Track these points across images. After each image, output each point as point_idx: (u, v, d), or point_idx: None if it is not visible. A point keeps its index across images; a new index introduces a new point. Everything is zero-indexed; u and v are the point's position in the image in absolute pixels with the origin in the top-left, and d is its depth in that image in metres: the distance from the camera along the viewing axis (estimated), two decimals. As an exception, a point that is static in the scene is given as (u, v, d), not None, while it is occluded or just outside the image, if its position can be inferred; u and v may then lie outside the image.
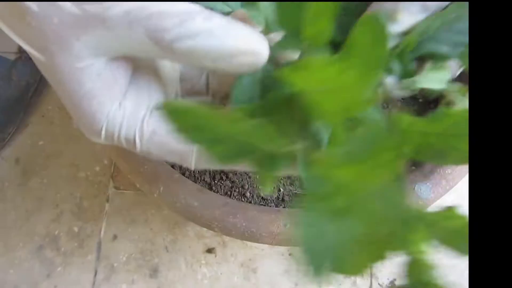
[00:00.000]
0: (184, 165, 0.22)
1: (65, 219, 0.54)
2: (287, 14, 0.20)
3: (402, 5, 0.20)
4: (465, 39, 0.20)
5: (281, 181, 0.37)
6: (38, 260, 0.52)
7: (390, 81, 0.21)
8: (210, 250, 0.51)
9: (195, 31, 0.19)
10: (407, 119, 0.18)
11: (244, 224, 0.30)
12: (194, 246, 0.52)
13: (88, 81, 0.20)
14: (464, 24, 0.20)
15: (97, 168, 0.55)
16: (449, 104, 0.23)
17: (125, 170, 0.32)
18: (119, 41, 0.19)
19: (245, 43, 0.19)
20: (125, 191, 0.54)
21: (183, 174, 0.37)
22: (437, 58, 0.21)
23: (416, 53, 0.21)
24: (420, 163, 0.34)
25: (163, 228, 0.52)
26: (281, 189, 0.37)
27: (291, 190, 0.37)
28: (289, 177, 0.38)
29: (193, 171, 0.38)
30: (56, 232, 0.54)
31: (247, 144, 0.18)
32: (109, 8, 0.18)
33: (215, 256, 0.51)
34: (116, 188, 0.54)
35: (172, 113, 0.18)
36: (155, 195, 0.31)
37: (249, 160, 0.19)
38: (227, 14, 0.23)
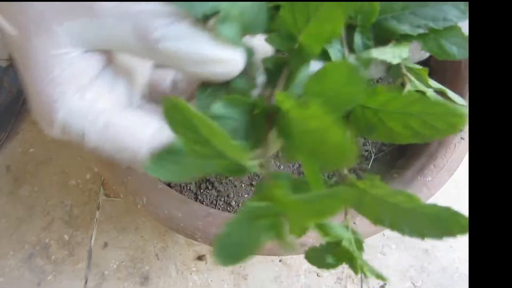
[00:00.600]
0: (133, 167, 0.22)
1: (55, 227, 0.54)
2: (291, 16, 0.20)
3: None
4: (427, 22, 0.21)
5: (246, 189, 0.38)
6: (29, 268, 0.52)
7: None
8: (200, 257, 0.52)
9: (180, 34, 0.19)
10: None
11: (227, 234, 0.30)
12: (184, 254, 0.52)
13: (57, 68, 0.19)
14: (428, 11, 0.22)
15: (88, 176, 0.55)
16: (402, 84, 0.23)
17: (110, 180, 0.33)
18: (103, 32, 0.19)
19: (224, 52, 0.20)
20: (115, 199, 0.54)
21: (169, 184, 0.37)
22: (400, 38, 0.22)
23: (377, 29, 0.22)
24: (401, 171, 0.34)
25: (154, 236, 0.53)
26: (246, 196, 0.37)
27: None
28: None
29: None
30: (47, 240, 0.54)
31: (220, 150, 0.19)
32: None
33: (206, 263, 0.51)
34: (107, 195, 0.54)
35: (170, 108, 0.18)
36: (139, 206, 0.31)
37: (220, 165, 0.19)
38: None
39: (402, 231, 0.19)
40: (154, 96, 0.25)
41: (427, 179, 0.32)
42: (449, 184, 0.35)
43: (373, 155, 0.38)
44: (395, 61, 0.21)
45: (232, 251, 0.17)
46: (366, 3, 0.22)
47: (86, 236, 0.53)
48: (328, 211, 0.15)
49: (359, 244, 0.22)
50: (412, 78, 0.23)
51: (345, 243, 0.21)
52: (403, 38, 0.22)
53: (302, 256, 0.29)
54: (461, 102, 0.25)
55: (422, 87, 0.23)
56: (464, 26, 0.22)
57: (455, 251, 0.49)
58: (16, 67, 0.20)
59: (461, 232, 0.18)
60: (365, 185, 0.19)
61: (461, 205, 0.47)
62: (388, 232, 0.49)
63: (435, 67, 0.40)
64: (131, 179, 0.32)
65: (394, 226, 0.19)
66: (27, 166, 0.56)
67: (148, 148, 0.20)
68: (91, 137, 0.20)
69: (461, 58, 0.23)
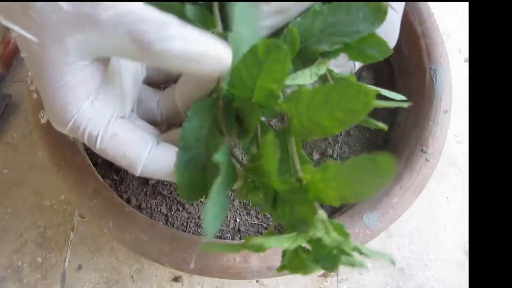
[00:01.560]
0: (131, 171, 0.25)
1: (28, 249, 0.53)
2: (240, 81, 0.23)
3: None
4: (342, 39, 0.25)
5: (237, 211, 0.38)
6: (0, 292, 0.50)
7: None
8: (176, 279, 0.51)
9: (171, 35, 0.22)
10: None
11: (193, 259, 0.30)
12: (160, 275, 0.51)
13: (69, 75, 0.23)
14: (342, 28, 0.25)
15: (62, 197, 0.55)
16: None
17: (75, 204, 0.32)
18: (105, 41, 0.22)
19: (212, 48, 0.22)
20: (87, 219, 0.53)
21: (139, 206, 0.37)
22: (324, 56, 0.25)
23: (304, 54, 0.25)
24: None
25: (129, 257, 0.52)
26: (237, 219, 0.37)
27: (247, 220, 0.37)
28: (245, 207, 0.38)
29: (150, 203, 0.38)
30: (19, 263, 0.52)
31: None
32: (103, 10, 0.22)
33: (182, 284, 0.51)
34: (81, 216, 0.53)
35: None
36: (105, 230, 0.31)
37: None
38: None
39: (345, 198, 0.20)
40: (140, 112, 0.29)
41: (393, 200, 0.32)
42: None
43: (342, 175, 0.38)
44: (307, 81, 0.23)
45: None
46: (287, 33, 0.24)
47: (60, 258, 0.52)
48: None
49: (344, 234, 0.22)
50: None
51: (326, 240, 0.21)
52: (326, 56, 0.25)
53: (279, 278, 0.29)
54: (397, 97, 0.27)
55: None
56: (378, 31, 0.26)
57: (430, 269, 0.49)
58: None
59: (389, 172, 0.19)
60: (308, 177, 0.21)
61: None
62: (362, 251, 0.48)
63: (401, 88, 0.41)
64: (96, 203, 0.32)
65: (337, 196, 0.20)
66: (0, 187, 0.55)
67: (146, 161, 0.25)
68: (100, 142, 0.24)
69: (382, 58, 0.26)
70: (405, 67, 0.40)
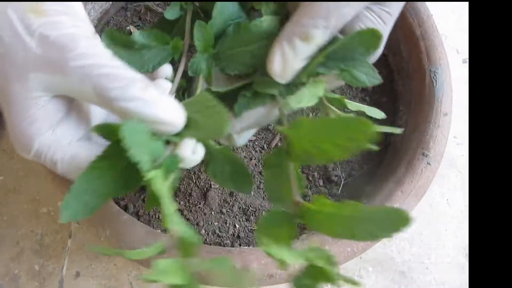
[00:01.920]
0: None
1: (25, 257, 0.52)
2: None
3: (313, 22, 0.25)
4: (338, 64, 0.26)
5: (237, 216, 0.37)
6: (-4, 301, 0.50)
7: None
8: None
9: (131, 97, 0.23)
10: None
11: (192, 267, 0.29)
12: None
13: (33, 108, 0.24)
14: (339, 54, 0.26)
15: (59, 203, 0.54)
16: (327, 114, 0.28)
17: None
18: (69, 86, 0.23)
19: (166, 115, 0.24)
20: (85, 226, 0.53)
21: (137, 213, 0.37)
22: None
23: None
24: (370, 197, 0.34)
25: (127, 264, 0.51)
26: (237, 225, 0.37)
27: (246, 226, 0.37)
28: (244, 213, 0.37)
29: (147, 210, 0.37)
30: (16, 271, 0.52)
31: None
32: (71, 59, 0.23)
33: (181, 290, 0.50)
34: (79, 223, 0.53)
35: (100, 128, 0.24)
36: (102, 238, 0.30)
37: None
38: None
39: (354, 236, 0.21)
40: None
41: (395, 205, 0.31)
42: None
43: (343, 180, 0.38)
44: (311, 103, 0.25)
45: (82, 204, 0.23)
46: None
47: (58, 266, 0.51)
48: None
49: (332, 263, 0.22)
50: (332, 107, 0.28)
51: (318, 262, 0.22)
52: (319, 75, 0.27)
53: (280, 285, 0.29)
54: (379, 116, 0.29)
55: (341, 113, 0.28)
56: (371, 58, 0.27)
57: (431, 272, 0.49)
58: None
59: (405, 225, 0.20)
60: (316, 206, 0.22)
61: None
62: (364, 255, 0.48)
63: (401, 91, 0.40)
64: (94, 211, 0.31)
65: (345, 234, 0.21)
66: (-4, 194, 0.54)
67: None
68: (61, 165, 0.26)
69: (370, 85, 0.27)
70: (405, 69, 0.40)
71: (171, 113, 0.24)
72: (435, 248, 0.50)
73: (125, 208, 0.37)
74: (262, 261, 0.29)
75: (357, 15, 0.26)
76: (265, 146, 0.40)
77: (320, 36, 0.25)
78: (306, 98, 0.25)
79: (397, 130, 0.26)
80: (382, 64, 0.42)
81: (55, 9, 0.23)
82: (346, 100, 0.28)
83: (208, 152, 0.26)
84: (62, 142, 0.25)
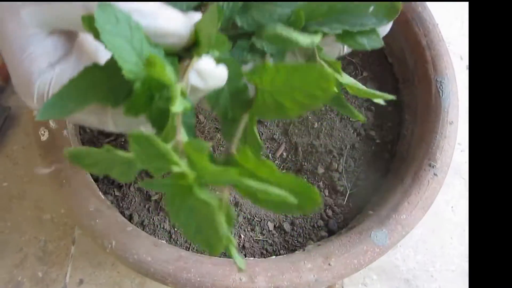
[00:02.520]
0: (104, 128, 0.25)
1: (29, 263, 0.52)
2: None
3: None
4: (343, 26, 0.24)
5: (242, 227, 0.37)
6: (0, 308, 0.50)
7: None
8: (179, 292, 0.50)
9: (129, 10, 0.21)
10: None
11: (198, 279, 0.29)
12: (162, 288, 0.50)
13: (31, 47, 0.23)
14: (348, 18, 0.24)
15: (63, 210, 0.54)
16: None
17: (77, 223, 0.32)
18: (61, 14, 0.22)
19: (170, 25, 0.22)
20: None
21: (142, 222, 0.37)
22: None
23: (305, 31, 0.25)
24: (377, 208, 0.34)
25: (131, 271, 0.51)
26: (242, 235, 0.37)
27: (252, 236, 0.36)
28: (249, 223, 0.37)
29: (152, 219, 0.37)
30: (19, 278, 0.52)
31: None
32: None
33: (185, 298, 0.50)
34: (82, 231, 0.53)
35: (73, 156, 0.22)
36: (107, 250, 0.30)
37: None
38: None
39: (260, 202, 0.21)
40: None
41: (401, 216, 0.31)
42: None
43: (348, 190, 0.38)
44: (305, 44, 0.23)
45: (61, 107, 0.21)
46: (292, 14, 0.24)
47: (61, 272, 0.51)
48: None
49: None
50: (325, 65, 0.26)
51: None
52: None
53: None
54: (388, 98, 0.26)
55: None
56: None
57: (436, 280, 0.48)
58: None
59: (313, 205, 0.20)
60: (240, 159, 0.21)
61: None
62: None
63: (407, 100, 0.40)
64: (99, 222, 0.31)
65: (254, 195, 0.20)
66: (1, 200, 0.54)
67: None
68: None
69: (370, 48, 0.25)
70: (410, 78, 0.40)
71: (174, 23, 0.22)
72: (440, 256, 0.49)
73: (130, 218, 0.37)
74: (268, 273, 0.29)
75: None
76: (270, 156, 0.40)
77: None
78: (300, 38, 0.23)
79: (389, 97, 0.25)
80: (387, 73, 0.42)
81: None
82: (342, 74, 0.26)
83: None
84: (63, 78, 0.24)
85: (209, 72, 0.23)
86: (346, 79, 0.26)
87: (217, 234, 0.20)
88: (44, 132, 0.33)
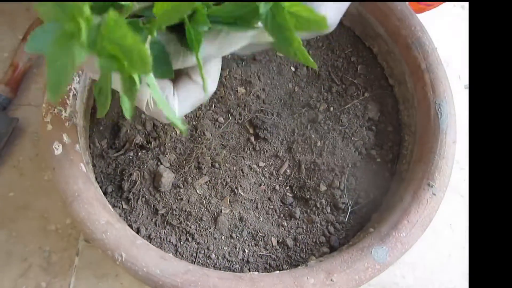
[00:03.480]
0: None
1: (33, 273, 0.53)
2: None
3: None
4: None
5: (246, 241, 0.38)
6: (3, 318, 0.50)
7: None
8: (181, 304, 0.51)
9: None
10: None
11: (205, 292, 0.30)
12: (164, 300, 0.51)
13: None
14: None
15: (68, 221, 0.55)
16: None
17: (87, 236, 0.33)
18: None
19: None
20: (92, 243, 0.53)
21: (149, 236, 0.38)
22: None
23: None
24: (377, 225, 0.35)
25: (134, 283, 0.52)
26: (246, 250, 0.38)
27: (255, 251, 0.38)
28: (253, 238, 0.38)
29: (159, 232, 0.38)
30: (23, 288, 0.52)
31: None
32: None
33: (186, 310, 0.51)
34: (87, 241, 0.53)
35: None
36: (118, 262, 0.31)
37: None
38: None
39: None
40: None
41: (401, 234, 0.33)
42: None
43: (349, 207, 0.39)
44: None
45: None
46: None
47: (64, 283, 0.52)
48: None
49: None
50: None
51: None
52: None
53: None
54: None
55: None
56: None
57: (434, 297, 0.49)
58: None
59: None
60: None
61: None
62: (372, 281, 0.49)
63: (406, 121, 0.42)
64: (109, 235, 0.32)
65: None
66: (5, 210, 0.55)
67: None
68: None
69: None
70: (410, 100, 0.41)
71: None
72: (439, 273, 0.50)
73: (137, 231, 0.38)
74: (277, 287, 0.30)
75: None
76: (274, 172, 0.41)
77: None
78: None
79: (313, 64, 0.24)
80: (388, 94, 0.44)
81: None
82: None
83: None
84: None
85: None
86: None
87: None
88: (58, 146, 0.34)
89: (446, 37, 0.65)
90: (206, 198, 0.39)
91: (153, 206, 0.39)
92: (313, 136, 0.41)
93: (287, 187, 0.40)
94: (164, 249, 0.37)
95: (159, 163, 0.40)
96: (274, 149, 0.42)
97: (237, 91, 0.43)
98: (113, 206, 0.39)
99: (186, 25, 0.23)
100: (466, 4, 0.66)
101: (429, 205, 0.33)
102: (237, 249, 0.37)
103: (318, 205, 0.39)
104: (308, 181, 0.40)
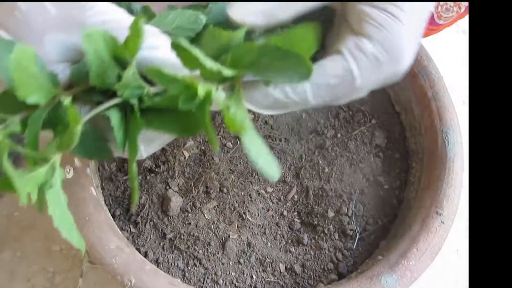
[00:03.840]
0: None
1: (36, 295, 0.52)
2: None
3: None
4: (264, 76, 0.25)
5: (254, 267, 0.38)
6: None
7: None
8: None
9: (155, 45, 0.24)
10: None
11: (213, 319, 0.30)
12: (168, 324, 0.50)
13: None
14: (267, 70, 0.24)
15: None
16: None
17: (97, 261, 0.33)
18: (77, 42, 0.23)
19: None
20: (99, 266, 0.53)
21: (157, 260, 0.38)
22: None
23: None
24: (386, 253, 0.35)
25: (137, 305, 0.51)
26: (254, 276, 0.37)
27: (263, 277, 0.37)
28: (261, 264, 0.38)
29: (167, 257, 0.38)
30: (26, 309, 0.52)
31: None
32: (90, 16, 0.23)
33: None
34: (91, 262, 0.53)
35: None
36: (127, 287, 0.31)
37: None
38: None
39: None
40: None
41: (410, 263, 0.33)
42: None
43: (357, 234, 0.39)
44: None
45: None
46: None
47: (68, 305, 0.51)
48: None
49: None
50: None
51: None
52: None
53: None
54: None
55: None
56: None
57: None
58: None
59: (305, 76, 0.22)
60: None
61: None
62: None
63: (413, 148, 0.42)
64: (119, 260, 0.32)
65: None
66: (10, 230, 0.55)
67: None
68: None
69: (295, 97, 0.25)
70: (417, 127, 0.42)
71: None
72: (445, 299, 0.50)
73: (145, 255, 0.38)
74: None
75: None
76: (282, 198, 0.41)
77: None
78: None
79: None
80: (395, 121, 0.44)
81: None
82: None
83: None
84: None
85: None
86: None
87: None
88: (69, 170, 0.35)
89: (452, 63, 0.66)
90: (214, 223, 0.39)
91: (161, 230, 0.39)
92: (320, 162, 0.42)
93: (295, 213, 0.41)
94: (172, 274, 0.37)
95: (167, 187, 0.41)
96: (282, 174, 0.42)
97: (245, 116, 0.44)
98: (121, 229, 0.39)
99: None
100: (467, 28, 0.67)
101: (437, 233, 0.34)
102: (244, 275, 0.37)
103: (326, 231, 0.39)
104: (316, 207, 0.40)
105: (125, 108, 0.24)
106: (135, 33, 0.22)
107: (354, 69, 0.24)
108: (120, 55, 0.23)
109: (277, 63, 0.23)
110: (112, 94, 0.24)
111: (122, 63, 0.24)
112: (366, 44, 0.24)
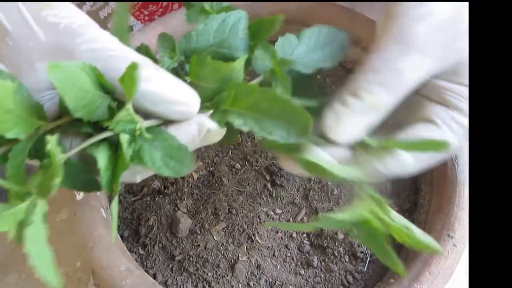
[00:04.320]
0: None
1: (39, 319, 0.52)
2: None
3: None
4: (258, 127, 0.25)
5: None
6: None
7: None
8: None
9: (145, 77, 0.23)
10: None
11: None
12: None
13: (41, 101, 0.24)
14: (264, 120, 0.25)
15: (78, 264, 0.54)
16: None
17: (107, 282, 0.32)
18: None
19: (183, 94, 0.24)
20: (105, 289, 0.52)
21: (165, 282, 0.37)
22: None
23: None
24: (398, 277, 0.34)
25: (142, 330, 0.50)
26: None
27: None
28: (271, 287, 0.38)
29: (176, 279, 0.38)
30: (29, 334, 0.51)
31: None
32: (80, 44, 0.23)
33: None
34: (96, 285, 0.53)
35: None
36: (137, 311, 0.31)
37: None
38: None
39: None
40: None
41: (423, 286, 0.32)
42: None
43: (368, 257, 0.39)
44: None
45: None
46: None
47: (72, 329, 0.50)
48: None
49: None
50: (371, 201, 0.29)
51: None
52: None
53: None
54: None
55: None
56: None
57: None
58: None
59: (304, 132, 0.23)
60: None
61: None
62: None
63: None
64: (129, 282, 0.32)
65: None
66: (16, 252, 0.55)
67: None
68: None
69: None
70: (425, 149, 0.42)
71: (186, 93, 0.24)
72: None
73: (154, 277, 0.37)
74: None
75: (428, 87, 0.26)
76: (291, 220, 0.41)
77: (370, 92, 0.24)
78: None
79: None
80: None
81: (62, 3, 0.24)
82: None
83: None
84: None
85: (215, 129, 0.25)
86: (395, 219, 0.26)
87: None
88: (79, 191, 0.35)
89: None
90: (223, 245, 0.39)
91: (170, 252, 0.39)
92: (329, 183, 0.42)
93: (304, 235, 0.40)
94: (181, 297, 0.36)
95: (176, 208, 0.41)
96: (290, 196, 0.42)
97: (254, 138, 0.44)
98: (130, 251, 0.38)
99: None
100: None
101: (450, 256, 0.33)
102: (254, 299, 0.37)
103: (336, 254, 0.39)
104: (326, 229, 0.40)
105: (116, 140, 0.24)
106: (130, 80, 0.21)
107: (451, 138, 0.27)
108: (107, 85, 0.23)
109: (275, 110, 0.23)
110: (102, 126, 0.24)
111: (110, 93, 0.24)
112: (460, 116, 0.27)
